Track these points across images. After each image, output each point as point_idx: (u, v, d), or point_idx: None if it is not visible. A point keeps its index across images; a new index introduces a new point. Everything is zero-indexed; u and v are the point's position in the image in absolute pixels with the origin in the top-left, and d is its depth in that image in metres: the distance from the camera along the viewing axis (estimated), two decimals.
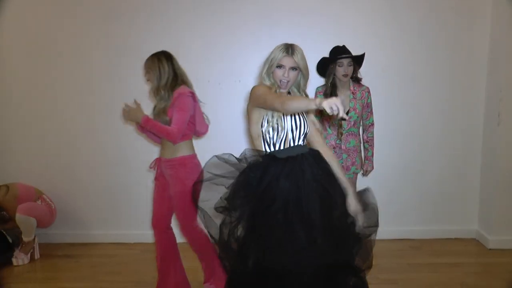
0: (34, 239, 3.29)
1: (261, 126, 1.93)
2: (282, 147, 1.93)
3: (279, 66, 1.93)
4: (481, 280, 2.91)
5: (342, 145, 2.96)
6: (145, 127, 2.48)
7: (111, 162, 3.58)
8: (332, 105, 1.51)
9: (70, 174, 3.59)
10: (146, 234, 3.60)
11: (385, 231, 3.56)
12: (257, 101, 1.90)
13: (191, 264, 2.78)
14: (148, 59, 2.54)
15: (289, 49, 1.93)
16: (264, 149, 1.94)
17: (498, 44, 3.34)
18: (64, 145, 3.57)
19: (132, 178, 3.58)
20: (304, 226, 1.76)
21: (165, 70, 2.49)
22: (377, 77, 3.32)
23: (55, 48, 3.46)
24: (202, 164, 1.99)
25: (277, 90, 1.94)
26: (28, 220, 3.20)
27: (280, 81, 1.94)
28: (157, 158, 2.63)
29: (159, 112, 2.50)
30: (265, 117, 1.92)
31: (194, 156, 2.59)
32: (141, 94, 3.45)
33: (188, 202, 2.47)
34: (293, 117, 1.95)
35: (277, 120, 1.90)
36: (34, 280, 3.02)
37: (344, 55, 2.85)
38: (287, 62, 1.92)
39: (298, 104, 1.73)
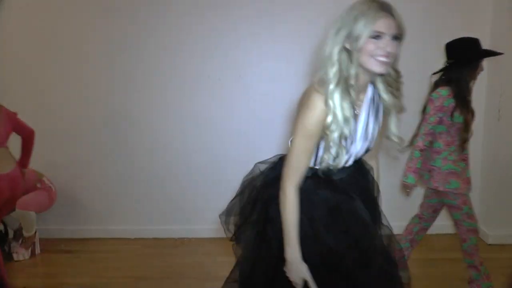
0: (34, 234, 3.29)
1: (317, 147, 1.37)
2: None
3: (376, 36, 1.17)
4: None
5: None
6: None
7: (111, 158, 3.58)
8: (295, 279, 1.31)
9: (70, 169, 3.59)
10: (146, 229, 3.62)
11: None
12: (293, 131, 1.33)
13: (194, 260, 2.79)
14: None
15: (385, 5, 1.19)
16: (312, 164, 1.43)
17: (498, 39, 3.33)
18: (64, 140, 3.56)
19: (132, 174, 3.57)
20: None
21: None
22: None
23: (55, 43, 3.44)
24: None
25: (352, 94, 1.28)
26: (28, 214, 3.19)
27: (376, 59, 1.19)
28: None
29: None
30: (323, 141, 1.35)
31: None
32: (142, 90, 3.48)
33: None
34: (365, 139, 1.42)
35: (338, 150, 1.32)
36: (35, 275, 3.03)
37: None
38: (388, 26, 1.16)
39: (288, 226, 1.29)
